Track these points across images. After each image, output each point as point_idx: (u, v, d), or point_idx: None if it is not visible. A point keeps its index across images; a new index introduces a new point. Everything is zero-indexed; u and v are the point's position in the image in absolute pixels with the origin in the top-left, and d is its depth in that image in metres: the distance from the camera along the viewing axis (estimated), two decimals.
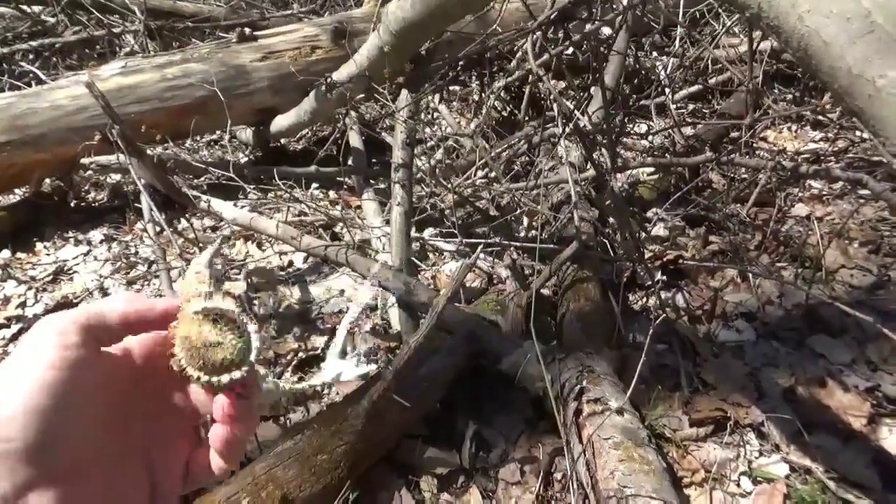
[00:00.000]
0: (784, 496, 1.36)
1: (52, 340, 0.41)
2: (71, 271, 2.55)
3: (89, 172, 2.83)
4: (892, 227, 2.21)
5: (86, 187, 3.18)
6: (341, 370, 1.36)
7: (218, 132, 3.44)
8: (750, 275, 2.03)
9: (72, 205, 3.05)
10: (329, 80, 2.54)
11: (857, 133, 2.72)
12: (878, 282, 1.99)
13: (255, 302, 2.18)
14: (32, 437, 0.37)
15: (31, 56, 3.87)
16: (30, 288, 2.42)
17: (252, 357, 0.48)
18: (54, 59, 3.94)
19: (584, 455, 1.29)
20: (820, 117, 2.93)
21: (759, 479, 1.42)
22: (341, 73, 2.61)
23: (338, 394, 1.77)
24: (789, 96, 3.31)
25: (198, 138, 3.49)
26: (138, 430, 0.48)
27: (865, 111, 0.60)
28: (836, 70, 0.62)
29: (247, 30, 2.99)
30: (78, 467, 0.41)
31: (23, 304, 2.32)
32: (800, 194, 2.51)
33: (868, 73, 0.59)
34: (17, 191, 2.99)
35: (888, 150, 0.58)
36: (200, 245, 2.26)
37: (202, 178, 2.96)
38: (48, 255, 2.65)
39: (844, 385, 1.62)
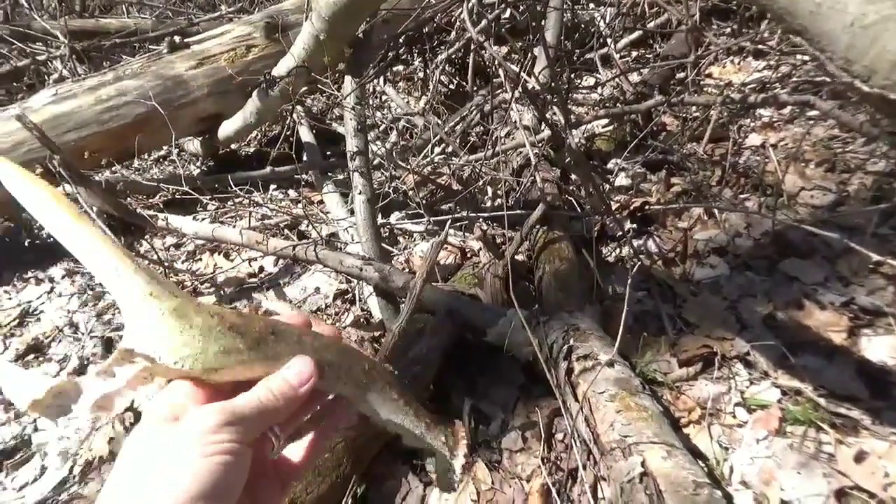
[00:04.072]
0: (780, 419, 1.39)
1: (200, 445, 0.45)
2: (37, 311, 2.47)
3: None
4: (844, 144, 2.25)
5: (38, 224, 3.08)
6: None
7: (166, 147, 3.35)
8: (715, 210, 2.05)
9: (26, 244, 2.95)
10: (268, 76, 2.48)
11: (799, 57, 2.74)
12: (838, 199, 2.03)
13: None
14: None
15: None
16: None
17: None
18: None
19: (582, 412, 1.30)
20: (760, 46, 2.95)
21: (753, 407, 1.44)
22: (280, 69, 2.55)
23: None
24: (728, 30, 3.33)
25: (145, 156, 3.40)
26: None
27: (809, 28, 0.60)
28: None
29: (177, 38, 2.90)
30: None
31: None
32: (752, 124, 2.54)
33: None
34: None
35: (835, 65, 0.58)
36: (166, 265, 2.20)
37: (157, 197, 2.89)
38: (10, 298, 2.57)
39: (820, 303, 1.65)
